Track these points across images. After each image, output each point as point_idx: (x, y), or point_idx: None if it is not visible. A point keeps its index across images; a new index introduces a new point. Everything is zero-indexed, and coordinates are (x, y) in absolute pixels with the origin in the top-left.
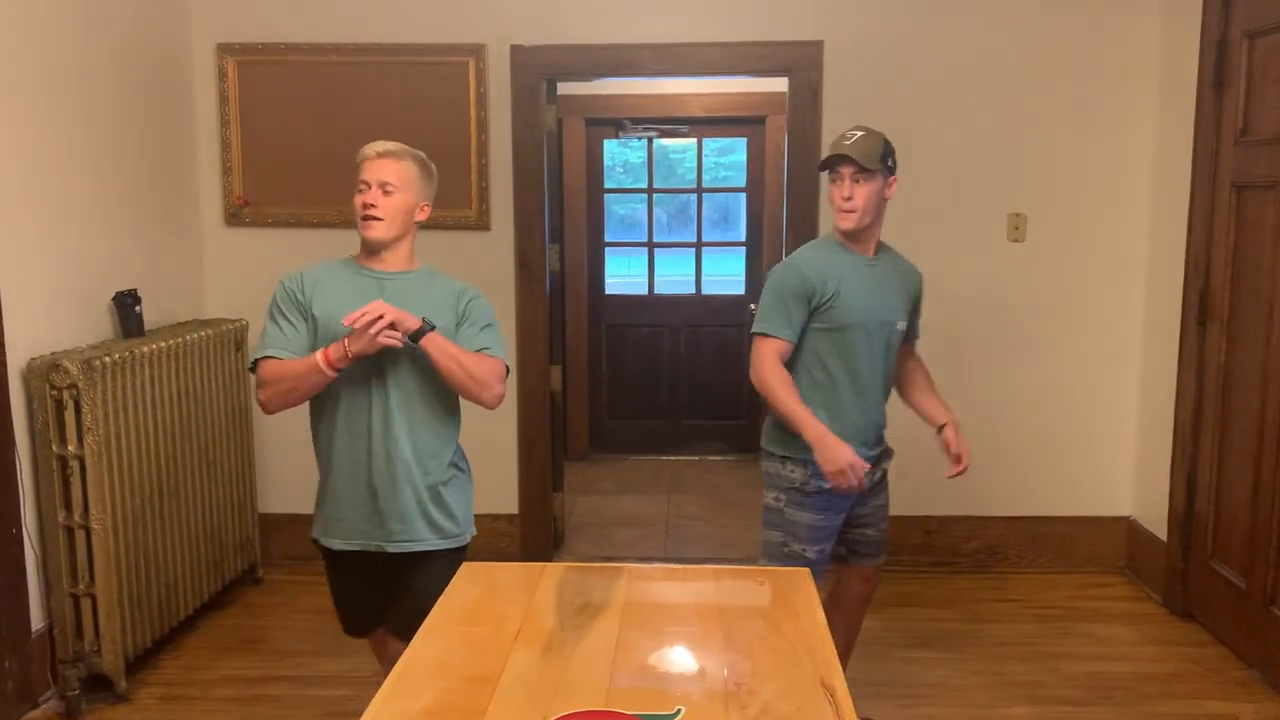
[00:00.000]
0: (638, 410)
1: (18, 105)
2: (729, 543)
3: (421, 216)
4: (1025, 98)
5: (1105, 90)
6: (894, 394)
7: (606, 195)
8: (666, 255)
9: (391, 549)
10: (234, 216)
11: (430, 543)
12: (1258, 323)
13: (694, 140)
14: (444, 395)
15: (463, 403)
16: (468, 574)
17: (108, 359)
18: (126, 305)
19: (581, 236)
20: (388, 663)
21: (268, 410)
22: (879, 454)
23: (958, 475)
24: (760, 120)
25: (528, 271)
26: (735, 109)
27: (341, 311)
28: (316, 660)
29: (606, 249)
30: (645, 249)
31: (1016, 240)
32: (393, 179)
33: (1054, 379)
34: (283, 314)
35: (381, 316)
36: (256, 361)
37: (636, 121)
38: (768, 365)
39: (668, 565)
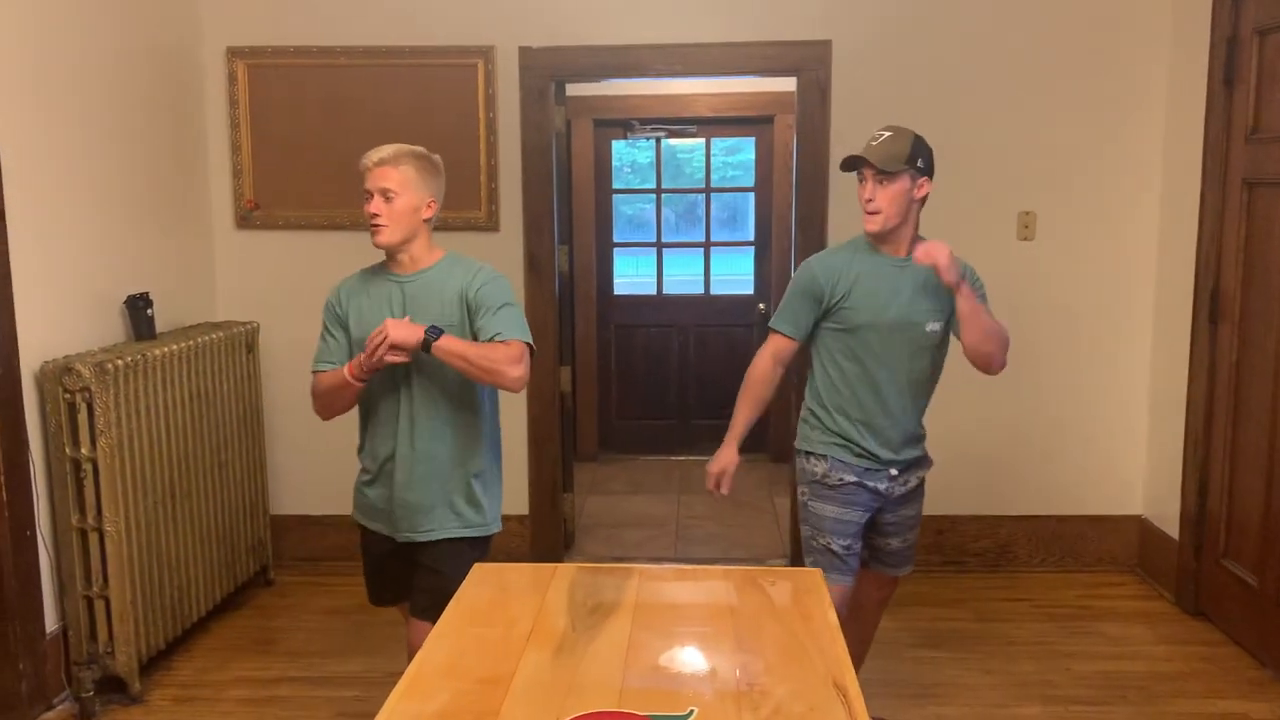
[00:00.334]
0: (647, 411)
1: (29, 110)
2: (739, 543)
3: (429, 213)
4: (1034, 96)
5: (1115, 88)
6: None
7: (615, 196)
8: (675, 255)
9: (420, 539)
10: (244, 219)
11: (453, 530)
12: (1269, 321)
13: (702, 140)
14: (469, 392)
15: (503, 396)
16: (479, 575)
17: (120, 362)
18: (138, 308)
19: (590, 237)
20: (409, 647)
21: (323, 418)
22: (908, 461)
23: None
24: (768, 120)
25: (537, 272)
26: (743, 109)
27: (366, 320)
28: (329, 661)
29: (615, 249)
30: (654, 249)
31: (1026, 239)
32: (392, 185)
33: (1064, 378)
34: (326, 328)
35: (385, 339)
36: (314, 374)
37: (644, 122)
38: (757, 360)
39: (679, 565)
